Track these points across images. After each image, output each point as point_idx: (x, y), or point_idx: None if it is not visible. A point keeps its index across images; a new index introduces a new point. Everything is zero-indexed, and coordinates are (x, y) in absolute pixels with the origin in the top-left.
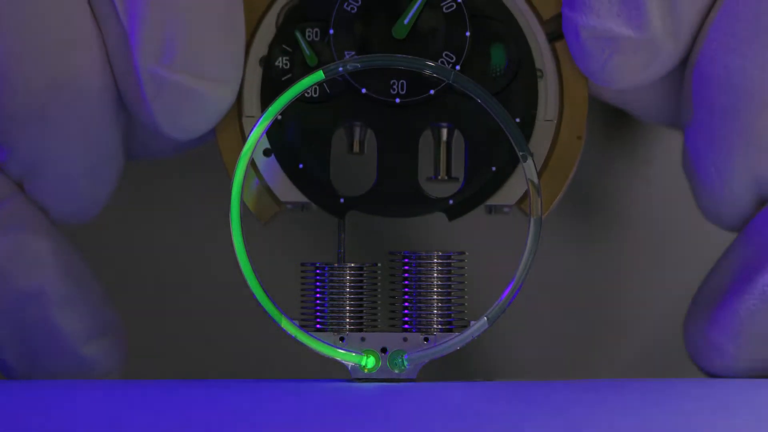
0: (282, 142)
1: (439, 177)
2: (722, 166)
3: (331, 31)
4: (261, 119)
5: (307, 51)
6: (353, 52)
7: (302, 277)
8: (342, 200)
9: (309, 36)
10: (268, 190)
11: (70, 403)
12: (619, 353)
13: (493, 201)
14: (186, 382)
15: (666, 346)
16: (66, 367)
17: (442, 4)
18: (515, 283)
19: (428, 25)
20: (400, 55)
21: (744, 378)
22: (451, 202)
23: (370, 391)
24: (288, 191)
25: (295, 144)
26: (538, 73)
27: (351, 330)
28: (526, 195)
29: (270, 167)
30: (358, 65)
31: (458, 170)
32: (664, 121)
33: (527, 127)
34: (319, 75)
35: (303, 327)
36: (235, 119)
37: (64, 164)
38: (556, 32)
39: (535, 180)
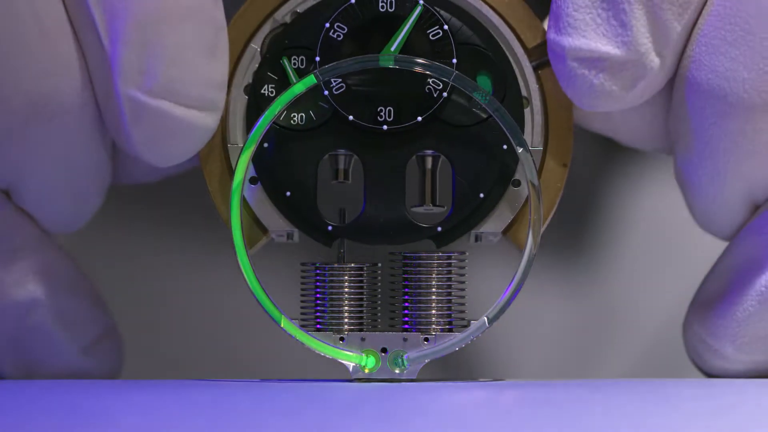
0: (268, 170)
1: (425, 205)
2: (714, 173)
3: (318, 59)
4: (259, 121)
5: (294, 79)
6: (339, 80)
7: (302, 277)
8: (330, 228)
9: (294, 64)
10: (255, 219)
11: (70, 403)
12: (619, 354)
13: (480, 228)
14: (186, 382)
15: (666, 347)
16: (63, 375)
17: (428, 32)
18: (515, 283)
19: (415, 53)
20: (399, 55)
21: (744, 378)
22: (439, 229)
23: (370, 391)
24: (275, 219)
25: (282, 172)
26: (524, 101)
27: (351, 330)
28: (513, 223)
29: (256, 195)
30: (355, 66)
31: (446, 198)
32: (653, 146)
33: (514, 155)
34: (311, 79)
35: (303, 327)
36: (220, 148)
37: (45, 181)
38: (541, 60)
39: (535, 181)
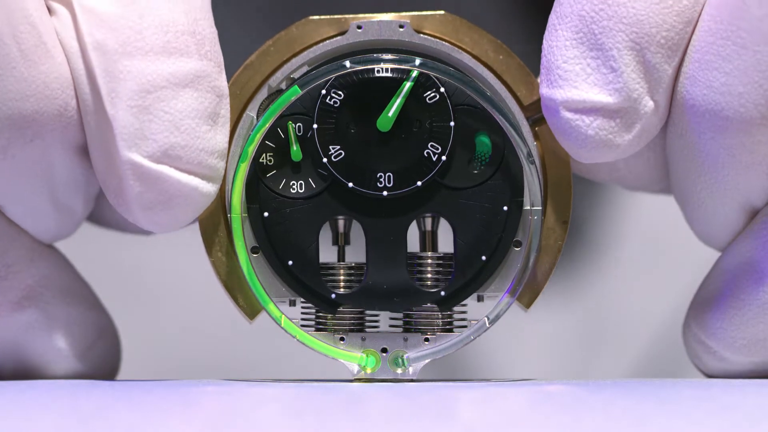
0: (269, 239)
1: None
2: (714, 187)
3: (315, 126)
4: (254, 129)
5: (294, 146)
6: (338, 147)
7: None
8: (333, 296)
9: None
10: (257, 287)
11: (70, 403)
12: (619, 354)
13: (484, 290)
14: (185, 382)
15: (665, 347)
16: (61, 377)
17: (425, 95)
18: (515, 283)
19: (412, 117)
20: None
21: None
22: (443, 293)
23: (371, 391)
24: (277, 288)
25: (283, 241)
26: (523, 160)
27: (351, 330)
28: (516, 283)
29: (258, 265)
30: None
31: (448, 256)
32: (660, 188)
33: (515, 215)
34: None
35: (303, 327)
36: (220, 217)
37: (28, 197)
38: (537, 117)
39: (539, 179)
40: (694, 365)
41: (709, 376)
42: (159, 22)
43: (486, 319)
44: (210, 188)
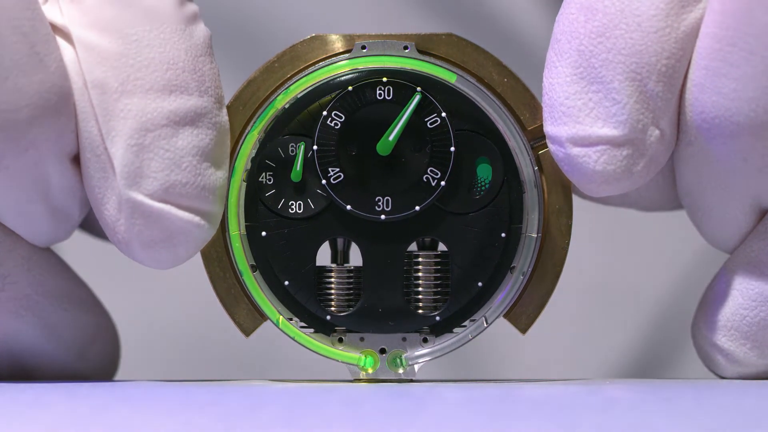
0: (267, 258)
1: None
2: (724, 192)
3: (315, 148)
4: (248, 131)
5: (298, 167)
6: (337, 169)
7: None
8: (328, 317)
9: (292, 150)
10: (253, 305)
11: (69, 403)
12: (620, 353)
13: (479, 315)
14: (185, 383)
15: (666, 346)
16: (60, 378)
17: (426, 120)
18: (514, 283)
19: (413, 141)
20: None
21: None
22: (438, 318)
23: (370, 391)
24: (273, 307)
25: (280, 261)
26: (524, 186)
27: (350, 330)
28: (512, 309)
29: (254, 283)
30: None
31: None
32: (672, 206)
33: (513, 242)
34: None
35: (302, 328)
36: (219, 234)
37: (26, 207)
38: (539, 141)
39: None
40: (707, 367)
41: (723, 378)
42: (160, 60)
43: (484, 319)
44: (210, 225)
